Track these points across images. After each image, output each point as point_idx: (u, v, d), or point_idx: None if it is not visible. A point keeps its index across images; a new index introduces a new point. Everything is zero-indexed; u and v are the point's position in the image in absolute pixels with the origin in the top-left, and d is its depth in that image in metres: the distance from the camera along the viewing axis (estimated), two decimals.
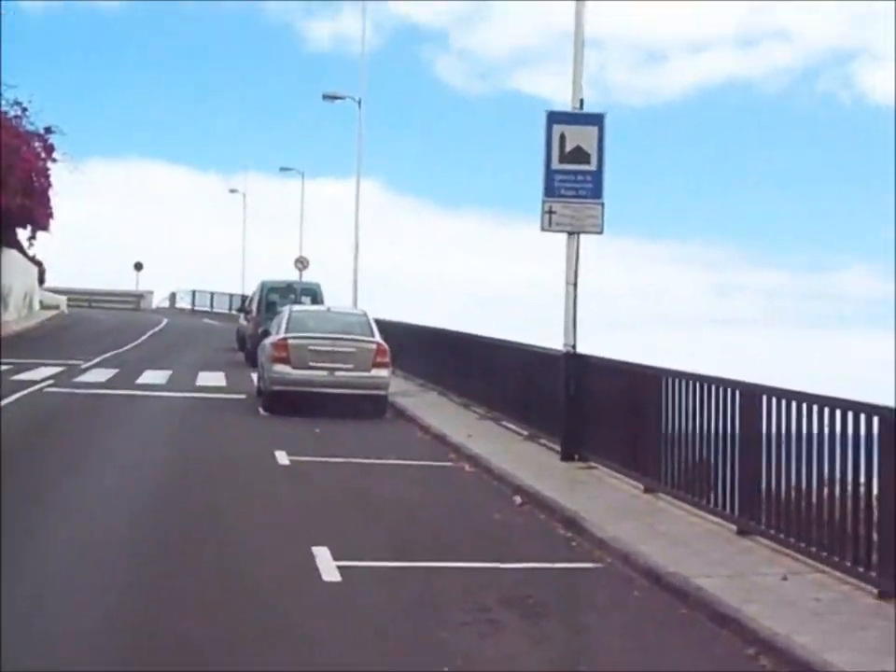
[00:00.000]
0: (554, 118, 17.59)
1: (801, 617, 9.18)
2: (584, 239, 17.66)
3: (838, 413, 10.48)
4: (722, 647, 8.89)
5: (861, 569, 10.04)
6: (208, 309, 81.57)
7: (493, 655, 8.60)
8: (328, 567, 10.85)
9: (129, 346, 43.89)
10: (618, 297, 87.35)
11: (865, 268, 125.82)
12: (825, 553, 10.59)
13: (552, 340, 18.53)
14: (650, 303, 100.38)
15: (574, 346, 17.64)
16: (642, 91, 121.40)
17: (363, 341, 24.19)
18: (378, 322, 25.86)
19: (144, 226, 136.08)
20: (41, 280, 69.22)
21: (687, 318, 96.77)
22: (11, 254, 54.45)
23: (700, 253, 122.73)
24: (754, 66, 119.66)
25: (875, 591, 9.74)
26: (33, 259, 63.55)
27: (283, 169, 69.25)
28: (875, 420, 9.92)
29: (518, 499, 14.78)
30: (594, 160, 17.51)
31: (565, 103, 17.85)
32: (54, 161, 50.11)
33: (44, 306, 67.62)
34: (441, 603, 9.95)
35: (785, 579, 10.32)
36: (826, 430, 10.69)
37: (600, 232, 17.66)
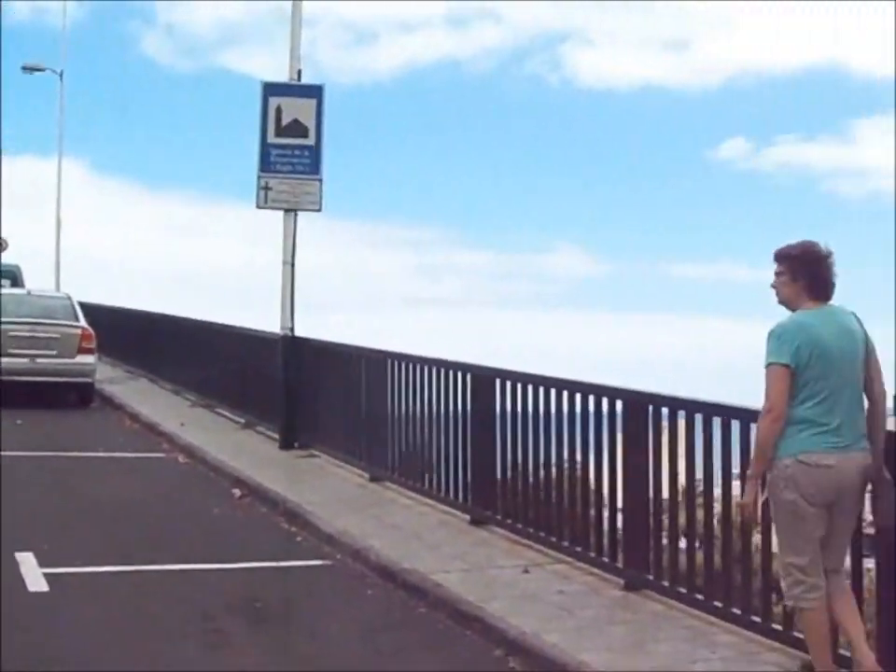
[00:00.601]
0: (271, 89, 16.83)
1: (547, 613, 8.71)
2: (300, 219, 16.99)
3: (578, 396, 10.07)
4: (468, 648, 8.34)
5: (605, 560, 9.65)
6: None
7: (220, 669, 7.84)
8: (33, 575, 9.89)
9: None
10: (327, 278, 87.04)
11: (570, 249, 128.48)
12: (566, 544, 10.16)
13: (269, 323, 17.80)
14: (357, 284, 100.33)
15: (292, 329, 16.97)
16: (352, 71, 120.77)
17: (67, 325, 22.89)
18: (83, 306, 24.61)
19: None
20: None
21: (393, 299, 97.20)
22: None
23: (407, 234, 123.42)
24: (464, 47, 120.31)
25: (622, 582, 9.35)
26: None
27: None
28: (619, 403, 9.53)
29: (237, 492, 13.99)
30: (312, 133, 16.83)
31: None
32: None
33: None
34: (160, 612, 9.11)
35: (526, 571, 9.84)
36: (565, 414, 10.28)
37: (319, 209, 17.02)
